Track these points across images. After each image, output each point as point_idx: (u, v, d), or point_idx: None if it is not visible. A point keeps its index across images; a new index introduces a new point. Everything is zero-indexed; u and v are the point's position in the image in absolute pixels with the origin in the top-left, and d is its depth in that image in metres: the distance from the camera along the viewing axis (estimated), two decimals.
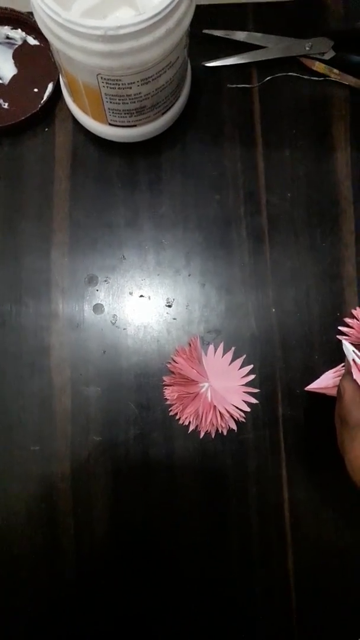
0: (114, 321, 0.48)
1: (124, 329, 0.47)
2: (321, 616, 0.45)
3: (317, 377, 0.46)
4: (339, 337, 0.47)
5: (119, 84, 0.39)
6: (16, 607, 0.45)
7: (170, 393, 0.46)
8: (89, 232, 0.49)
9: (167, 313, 0.48)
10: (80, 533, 0.45)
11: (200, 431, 0.46)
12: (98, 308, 0.48)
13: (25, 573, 0.45)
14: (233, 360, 0.47)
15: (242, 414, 0.46)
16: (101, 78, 0.38)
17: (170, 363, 0.47)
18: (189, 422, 0.45)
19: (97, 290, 0.48)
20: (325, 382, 0.46)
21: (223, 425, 0.45)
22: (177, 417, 0.46)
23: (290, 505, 0.46)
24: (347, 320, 0.47)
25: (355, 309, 0.47)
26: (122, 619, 0.45)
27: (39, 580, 0.45)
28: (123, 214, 0.49)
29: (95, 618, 0.45)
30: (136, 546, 0.45)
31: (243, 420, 0.46)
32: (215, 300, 0.48)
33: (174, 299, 0.48)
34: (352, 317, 0.47)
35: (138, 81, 0.39)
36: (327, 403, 0.43)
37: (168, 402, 0.46)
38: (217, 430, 0.46)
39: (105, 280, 0.48)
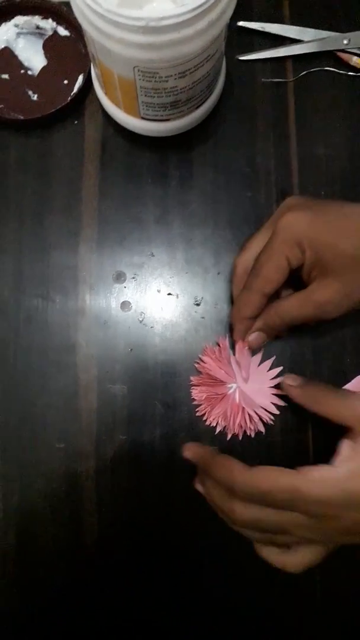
0: (141, 319, 0.47)
1: (152, 327, 0.47)
2: (344, 617, 0.44)
3: (349, 380, 0.45)
4: None
5: (155, 77, 0.38)
6: (37, 605, 0.45)
7: (197, 393, 0.45)
8: (118, 228, 0.48)
9: (196, 312, 0.47)
10: (104, 531, 0.45)
11: (227, 433, 0.45)
12: (125, 305, 0.47)
13: (48, 570, 0.45)
14: (262, 361, 0.46)
15: (271, 417, 0.45)
16: (138, 70, 0.37)
17: (198, 363, 0.46)
18: (217, 424, 0.45)
19: (125, 287, 0.47)
20: (357, 386, 0.45)
21: (252, 427, 0.44)
22: (204, 418, 0.45)
23: None
24: None
25: None
26: (142, 617, 0.44)
27: (61, 576, 0.45)
28: (152, 210, 0.48)
29: (117, 616, 0.44)
30: (159, 546, 0.45)
31: (272, 423, 0.45)
32: None
33: (202, 298, 0.47)
34: None
35: (175, 74, 0.38)
36: None
37: (195, 403, 0.45)
38: (245, 432, 0.45)
39: (133, 277, 0.47)
